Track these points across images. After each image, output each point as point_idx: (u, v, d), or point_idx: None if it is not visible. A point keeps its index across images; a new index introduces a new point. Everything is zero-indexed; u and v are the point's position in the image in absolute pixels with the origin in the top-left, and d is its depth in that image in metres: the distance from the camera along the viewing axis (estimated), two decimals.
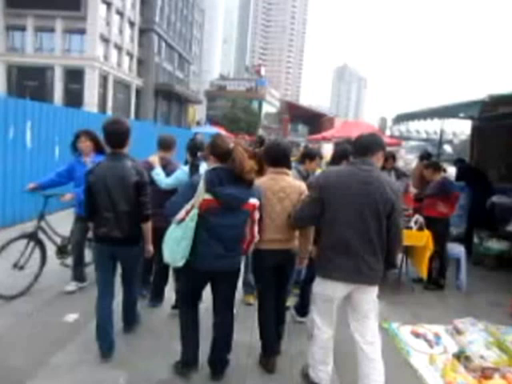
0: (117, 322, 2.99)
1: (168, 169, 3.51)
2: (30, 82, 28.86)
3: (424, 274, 4.53)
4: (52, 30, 29.97)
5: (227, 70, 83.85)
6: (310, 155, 4.00)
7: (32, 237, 3.73)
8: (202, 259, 2.45)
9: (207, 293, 2.72)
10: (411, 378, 2.95)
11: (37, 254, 3.78)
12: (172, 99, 41.86)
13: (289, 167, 2.90)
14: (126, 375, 2.65)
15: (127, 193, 2.72)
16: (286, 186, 2.75)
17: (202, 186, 2.37)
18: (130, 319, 3.21)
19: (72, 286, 3.85)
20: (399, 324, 3.71)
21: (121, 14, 33.17)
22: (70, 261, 4.01)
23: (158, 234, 2.76)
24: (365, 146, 2.49)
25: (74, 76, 29.67)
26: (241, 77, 74.75)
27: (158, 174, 3.42)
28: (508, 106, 5.56)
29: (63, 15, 29.23)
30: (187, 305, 2.71)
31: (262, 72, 65.51)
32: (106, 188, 2.69)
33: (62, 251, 4.09)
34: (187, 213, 2.38)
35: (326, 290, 2.47)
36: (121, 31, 33.53)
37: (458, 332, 3.49)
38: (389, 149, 5.65)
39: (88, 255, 3.96)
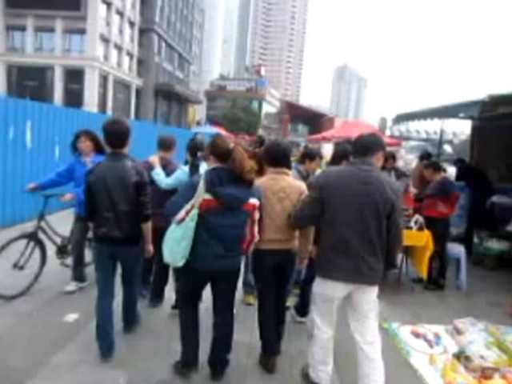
0: (117, 322, 2.99)
1: (168, 169, 3.51)
2: (30, 82, 28.86)
3: (424, 274, 4.53)
4: (52, 30, 29.98)
5: (227, 70, 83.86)
6: (310, 155, 4.00)
7: (32, 237, 3.73)
8: (201, 259, 2.45)
9: (207, 293, 2.72)
10: (411, 377, 2.95)
11: (37, 254, 3.78)
12: (172, 99, 41.86)
13: (289, 167, 2.90)
14: (126, 375, 2.65)
15: (127, 193, 2.72)
16: (286, 186, 2.75)
17: (202, 185, 2.37)
18: (130, 319, 3.21)
19: (72, 286, 3.85)
20: (399, 324, 3.71)
21: (121, 14, 33.18)
22: (70, 261, 4.01)
23: (158, 234, 2.76)
24: (365, 146, 2.49)
25: (74, 76, 29.67)
26: (241, 77, 74.76)
27: (158, 174, 3.42)
28: (508, 105, 5.56)
29: (63, 15, 29.23)
30: (187, 305, 2.71)
31: (262, 72, 65.52)
32: (106, 188, 2.69)
33: (61, 251, 4.09)
34: (187, 213, 2.38)
35: (325, 290, 2.47)
36: (121, 31, 33.54)
37: (458, 332, 3.49)
38: (389, 149, 5.65)
39: (88, 255, 3.96)
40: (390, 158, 5.41)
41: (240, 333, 2.97)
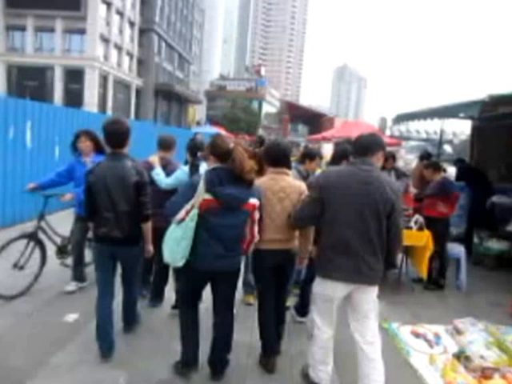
0: (117, 322, 2.99)
1: (168, 169, 3.51)
2: (30, 82, 28.87)
3: (424, 274, 4.53)
4: (52, 30, 29.98)
5: (227, 70, 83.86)
6: (310, 155, 4.00)
7: (32, 237, 3.73)
8: (202, 259, 2.45)
9: (207, 293, 2.72)
10: (411, 377, 2.95)
11: (37, 254, 3.78)
12: (172, 99, 41.87)
13: (289, 167, 2.90)
14: (126, 375, 2.65)
15: (127, 193, 2.72)
16: (286, 186, 2.75)
17: (202, 185, 2.37)
18: (130, 319, 3.21)
19: (72, 286, 3.85)
20: (399, 324, 3.71)
21: (121, 13, 33.18)
22: (70, 261, 4.01)
23: (158, 234, 2.76)
24: (365, 146, 2.49)
25: (74, 76, 29.67)
26: (241, 77, 74.76)
27: (158, 174, 3.42)
28: (508, 105, 5.56)
29: (63, 15, 29.23)
30: (187, 305, 2.71)
31: (262, 72, 65.52)
32: (106, 188, 2.69)
33: (62, 251, 4.09)
34: (187, 213, 2.38)
35: (326, 290, 2.47)
36: (121, 31, 33.54)
37: (458, 332, 3.49)
38: (389, 149, 5.65)
39: (88, 255, 3.96)
40: (390, 157, 5.41)
41: (240, 333, 2.97)
